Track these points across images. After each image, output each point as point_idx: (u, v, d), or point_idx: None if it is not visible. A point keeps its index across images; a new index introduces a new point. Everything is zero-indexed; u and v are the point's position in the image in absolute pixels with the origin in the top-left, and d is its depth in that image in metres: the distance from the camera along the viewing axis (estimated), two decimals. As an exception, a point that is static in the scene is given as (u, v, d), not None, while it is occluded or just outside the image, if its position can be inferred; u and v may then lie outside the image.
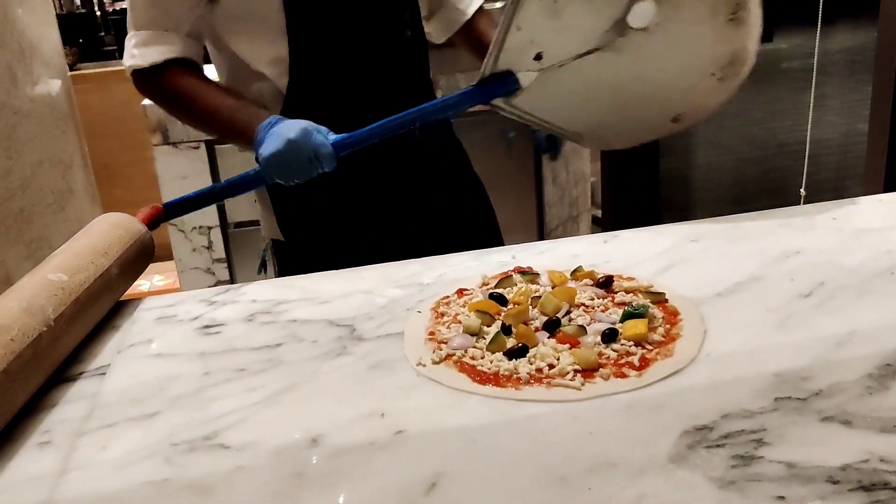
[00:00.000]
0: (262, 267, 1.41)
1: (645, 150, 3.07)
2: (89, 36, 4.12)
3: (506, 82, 1.04)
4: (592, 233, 2.83)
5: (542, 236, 2.62)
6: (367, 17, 1.19)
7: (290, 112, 1.15)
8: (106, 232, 0.95)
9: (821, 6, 2.64)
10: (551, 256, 0.99)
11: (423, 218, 1.29)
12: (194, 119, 1.24)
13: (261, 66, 1.18)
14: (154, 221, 1.08)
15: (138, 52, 1.18)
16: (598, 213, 3.05)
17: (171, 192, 2.36)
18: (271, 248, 1.36)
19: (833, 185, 3.09)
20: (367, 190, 1.24)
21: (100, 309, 0.88)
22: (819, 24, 2.65)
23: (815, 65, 2.85)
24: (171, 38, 1.17)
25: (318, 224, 1.27)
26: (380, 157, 1.16)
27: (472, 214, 1.40)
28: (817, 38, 2.71)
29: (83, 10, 5.44)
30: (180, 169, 2.35)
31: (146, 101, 2.32)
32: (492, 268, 0.95)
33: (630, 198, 3.11)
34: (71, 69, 3.01)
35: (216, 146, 2.34)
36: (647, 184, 3.07)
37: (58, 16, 2.30)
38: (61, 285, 0.80)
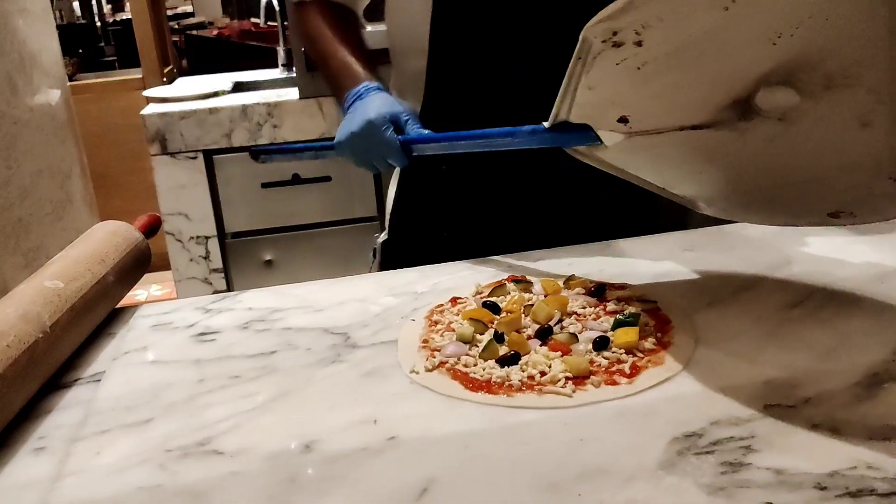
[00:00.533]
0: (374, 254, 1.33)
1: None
2: (89, 47, 4.14)
3: (585, 135, 0.83)
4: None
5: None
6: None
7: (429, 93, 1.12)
8: (103, 239, 0.95)
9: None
10: (546, 265, 0.99)
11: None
12: (315, 61, 1.24)
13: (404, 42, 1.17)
14: (151, 230, 1.09)
15: None
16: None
17: (168, 201, 2.37)
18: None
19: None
20: (482, 180, 1.16)
21: (96, 316, 0.88)
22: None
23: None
24: None
25: (424, 212, 1.22)
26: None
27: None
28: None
29: (83, 21, 5.47)
30: (178, 179, 2.36)
31: (145, 111, 2.34)
32: (486, 276, 0.96)
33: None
34: (70, 79, 3.03)
35: (214, 156, 2.36)
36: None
37: (58, 26, 2.31)
38: (58, 292, 0.81)
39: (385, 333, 0.84)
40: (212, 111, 2.32)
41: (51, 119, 2.24)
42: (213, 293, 2.48)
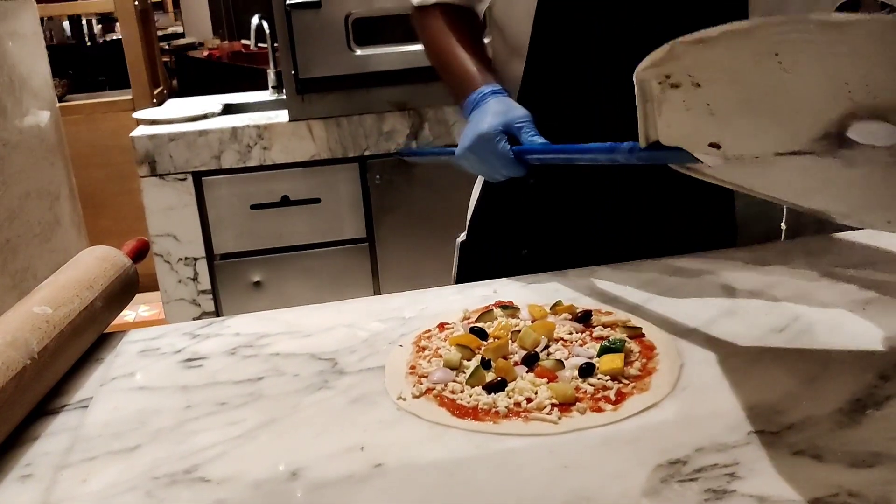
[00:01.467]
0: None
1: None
2: (79, 67, 4.15)
3: (683, 155, 0.78)
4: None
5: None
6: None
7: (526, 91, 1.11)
8: (91, 265, 0.96)
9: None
10: (533, 290, 1.00)
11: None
12: (434, 64, 1.22)
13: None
14: (139, 254, 1.09)
15: None
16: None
17: (157, 223, 2.37)
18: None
19: (814, 220, 3.12)
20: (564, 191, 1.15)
21: (84, 342, 0.88)
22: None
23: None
24: None
25: (505, 222, 1.22)
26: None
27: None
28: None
29: (73, 42, 5.48)
30: (167, 200, 2.36)
31: (134, 133, 2.35)
32: (473, 301, 0.97)
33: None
34: (60, 100, 3.03)
35: (203, 178, 2.36)
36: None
37: (48, 47, 2.32)
38: (46, 318, 0.81)
39: (372, 359, 0.84)
40: (201, 133, 2.32)
41: (40, 141, 2.24)
42: (202, 315, 2.48)
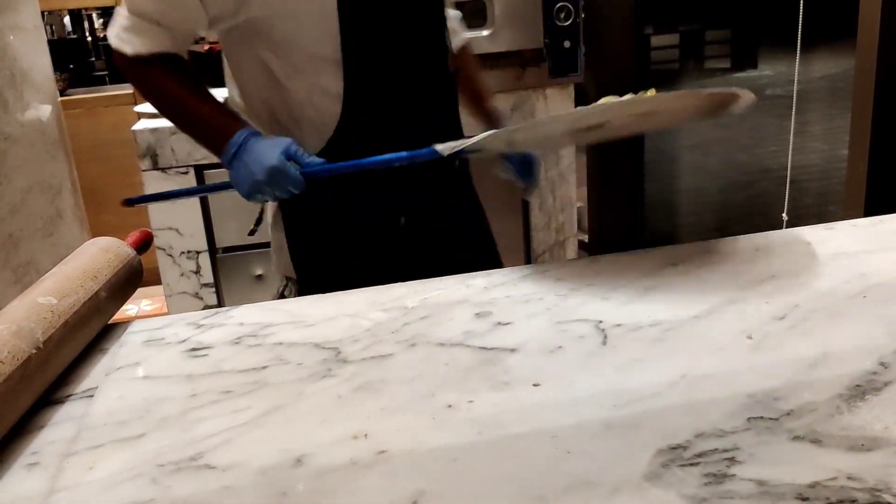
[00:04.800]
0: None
1: (631, 176, 3.12)
2: (80, 61, 4.15)
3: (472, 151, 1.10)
4: (579, 258, 2.85)
5: (528, 262, 2.64)
6: (416, 50, 1.22)
7: (340, 137, 1.20)
8: (95, 256, 0.96)
9: (799, 33, 2.69)
10: (534, 281, 1.01)
11: (428, 244, 1.32)
12: (169, 116, 1.26)
13: (314, 96, 1.19)
14: (143, 246, 1.09)
15: (126, 37, 1.18)
16: (585, 237, 3.08)
17: (158, 217, 2.37)
18: (292, 284, 1.38)
19: (815, 209, 3.13)
20: (373, 214, 1.28)
21: (88, 332, 0.89)
22: (798, 51, 2.70)
23: (794, 91, 2.90)
24: (164, 33, 1.16)
25: (330, 258, 1.30)
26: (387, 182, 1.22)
27: (474, 237, 1.44)
28: (797, 64, 2.76)
29: (74, 36, 5.47)
30: (169, 194, 2.36)
31: (136, 126, 2.35)
32: (476, 291, 0.97)
33: (616, 223, 3.15)
34: (61, 94, 3.03)
35: (205, 171, 2.36)
36: (634, 209, 3.11)
37: (49, 41, 2.32)
38: (50, 308, 0.82)
39: (375, 348, 0.84)
40: (203, 126, 2.32)
41: (41, 135, 2.25)
42: (204, 308, 2.48)
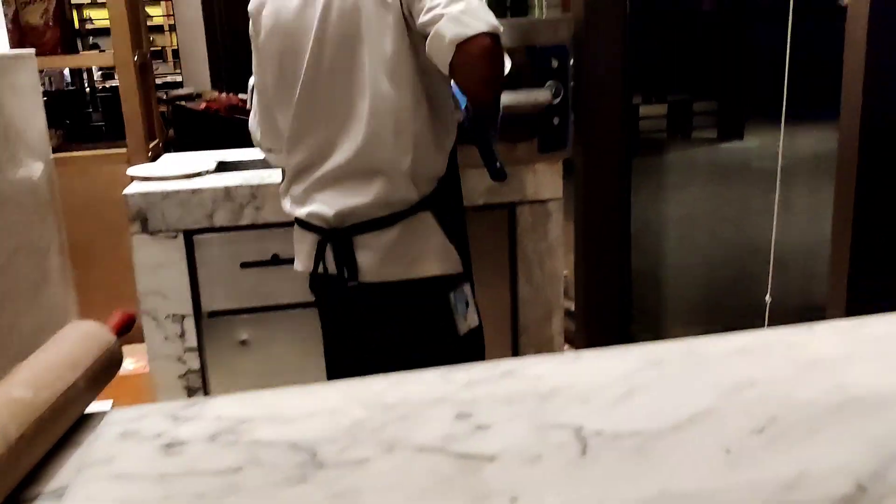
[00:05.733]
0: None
1: (617, 247, 3.14)
2: (77, 113, 4.18)
3: None
4: (566, 329, 2.85)
5: (515, 335, 2.64)
6: None
7: None
8: (76, 342, 0.96)
9: (784, 106, 2.74)
10: (516, 378, 1.00)
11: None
12: None
13: None
14: (124, 328, 1.09)
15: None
16: (572, 305, 3.08)
17: (146, 280, 2.37)
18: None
19: (801, 287, 3.15)
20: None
21: (63, 425, 0.88)
22: (783, 123, 2.75)
23: (779, 165, 2.94)
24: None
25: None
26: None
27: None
28: (781, 137, 2.80)
29: (73, 87, 5.52)
30: (157, 258, 2.36)
31: (127, 191, 2.36)
32: (456, 388, 0.97)
33: (603, 294, 3.16)
34: (55, 151, 3.05)
35: (194, 236, 2.37)
36: (620, 283, 3.12)
37: (46, 93, 2.33)
38: (26, 402, 0.81)
39: (353, 451, 0.84)
40: (195, 192, 2.34)
41: (32, 195, 2.25)
42: (187, 372, 2.47)
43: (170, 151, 3.24)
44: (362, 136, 1.73)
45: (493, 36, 1.60)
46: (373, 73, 1.70)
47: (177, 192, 2.33)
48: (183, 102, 5.10)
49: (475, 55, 1.58)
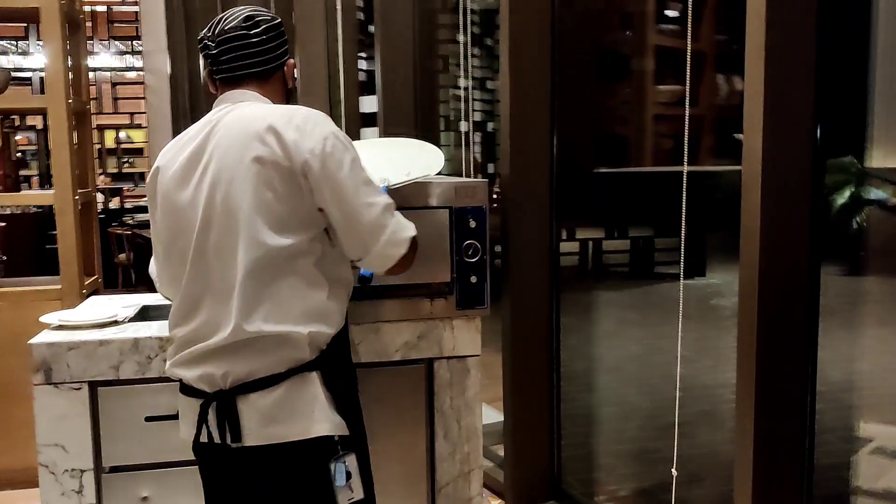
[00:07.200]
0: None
1: (547, 392, 3.09)
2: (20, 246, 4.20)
3: None
4: (484, 488, 2.77)
5: (433, 493, 2.57)
6: None
7: None
8: None
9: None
10: None
11: None
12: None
13: None
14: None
15: None
16: (490, 464, 3.01)
17: (46, 432, 2.31)
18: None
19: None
20: None
21: None
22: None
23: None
24: None
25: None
26: None
27: None
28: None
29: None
30: (59, 409, 2.32)
31: (33, 340, 2.34)
32: None
33: (533, 441, 3.09)
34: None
35: (99, 388, 2.33)
36: (550, 428, 3.06)
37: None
38: None
39: None
40: (102, 343, 2.31)
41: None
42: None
43: (118, 279, 3.23)
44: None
45: (413, 245, 1.91)
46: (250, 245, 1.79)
47: (84, 343, 2.30)
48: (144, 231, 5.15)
49: (399, 266, 1.92)
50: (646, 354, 4.39)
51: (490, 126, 4.90)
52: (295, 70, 2.05)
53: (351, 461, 1.81)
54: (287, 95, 2.00)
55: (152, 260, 2.06)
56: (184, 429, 1.91)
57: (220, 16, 1.92)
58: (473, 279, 2.47)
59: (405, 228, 1.87)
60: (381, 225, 1.82)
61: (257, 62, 1.89)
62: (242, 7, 1.93)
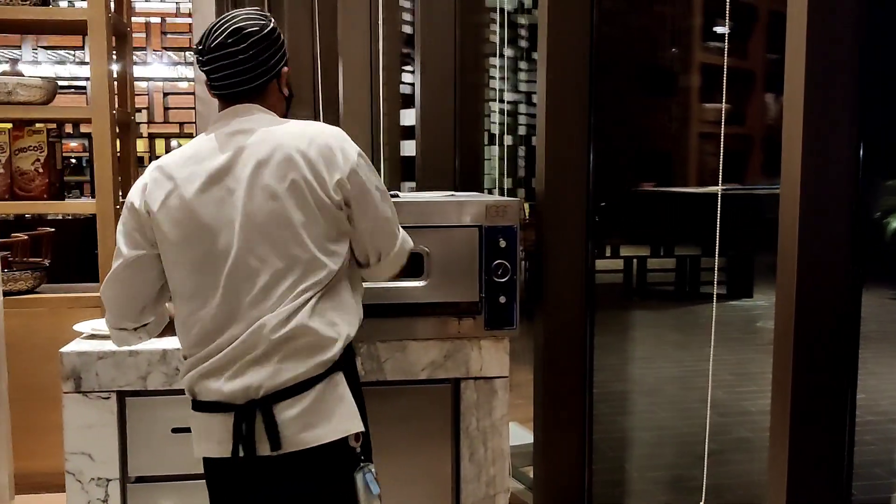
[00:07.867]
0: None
1: (580, 414, 3.02)
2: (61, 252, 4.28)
3: None
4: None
5: (456, 514, 2.53)
6: None
7: None
8: None
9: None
10: None
11: None
12: None
13: None
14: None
15: None
16: (521, 486, 2.96)
17: (74, 440, 2.34)
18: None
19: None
20: None
21: None
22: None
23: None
24: None
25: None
26: None
27: None
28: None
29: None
30: (88, 418, 2.34)
31: (64, 349, 2.37)
32: None
33: (564, 465, 3.03)
34: (33, 291, 3.12)
35: (127, 398, 2.35)
36: (580, 450, 2.99)
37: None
38: None
39: None
40: (131, 353, 2.33)
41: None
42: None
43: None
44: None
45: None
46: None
47: (113, 353, 2.32)
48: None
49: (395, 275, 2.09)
50: (686, 377, 4.28)
51: (534, 140, 4.86)
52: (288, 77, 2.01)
53: (371, 469, 1.85)
54: (287, 103, 2.02)
55: (107, 282, 1.98)
56: (205, 446, 1.90)
57: (210, 27, 1.88)
58: (502, 299, 2.44)
59: (408, 239, 2.07)
60: (394, 234, 2.00)
61: (246, 79, 1.88)
62: (235, 15, 1.87)
